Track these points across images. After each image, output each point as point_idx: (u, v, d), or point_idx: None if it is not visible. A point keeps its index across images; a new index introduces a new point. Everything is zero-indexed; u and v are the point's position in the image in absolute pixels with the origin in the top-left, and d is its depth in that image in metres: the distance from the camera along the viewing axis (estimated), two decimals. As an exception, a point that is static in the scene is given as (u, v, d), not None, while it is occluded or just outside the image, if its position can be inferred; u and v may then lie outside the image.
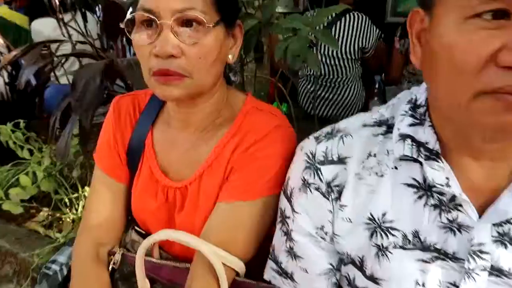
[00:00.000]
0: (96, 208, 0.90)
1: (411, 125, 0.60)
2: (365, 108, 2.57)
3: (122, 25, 0.72)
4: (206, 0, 0.69)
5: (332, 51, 2.35)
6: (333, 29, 2.30)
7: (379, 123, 0.65)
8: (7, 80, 2.50)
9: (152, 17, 0.67)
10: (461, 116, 0.49)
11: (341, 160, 0.64)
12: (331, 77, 2.39)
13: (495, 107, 0.45)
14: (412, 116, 0.61)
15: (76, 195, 1.75)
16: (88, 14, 1.98)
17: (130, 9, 1.49)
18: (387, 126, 0.64)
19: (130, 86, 1.56)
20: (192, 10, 0.67)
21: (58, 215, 1.79)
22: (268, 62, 2.03)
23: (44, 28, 2.43)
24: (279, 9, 3.95)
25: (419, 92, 0.63)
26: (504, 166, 0.55)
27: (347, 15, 2.28)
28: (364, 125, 0.66)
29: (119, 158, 0.89)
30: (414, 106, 0.62)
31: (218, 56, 0.73)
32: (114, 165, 0.89)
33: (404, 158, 0.59)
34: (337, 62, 2.35)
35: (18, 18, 2.97)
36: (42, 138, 1.96)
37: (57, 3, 1.77)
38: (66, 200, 1.77)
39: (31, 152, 1.85)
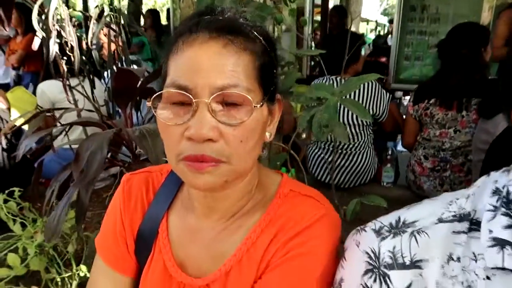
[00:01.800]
0: None
1: (508, 227, 0.48)
2: (378, 175, 2.47)
3: (148, 104, 0.61)
4: (250, 75, 0.59)
5: (344, 118, 2.30)
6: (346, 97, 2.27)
7: (459, 218, 0.53)
8: (5, 147, 2.40)
9: (188, 95, 0.56)
10: None
11: (415, 264, 0.51)
12: (343, 143, 2.32)
13: None
14: (507, 214, 0.49)
15: (69, 274, 1.57)
16: (96, 80, 1.94)
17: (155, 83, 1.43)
18: (470, 222, 0.52)
19: (137, 155, 1.46)
20: (235, 87, 0.57)
21: (47, 298, 1.59)
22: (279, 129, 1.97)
23: (49, 90, 2.40)
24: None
25: (506, 179, 0.52)
26: None
27: (358, 82, 2.26)
28: (441, 220, 0.54)
29: (126, 248, 0.76)
30: (508, 201, 0.50)
31: (260, 137, 0.62)
32: (118, 256, 0.76)
33: (502, 267, 0.47)
34: (348, 129, 2.30)
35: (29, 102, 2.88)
36: (38, 206, 1.81)
37: (65, 69, 1.73)
38: (58, 280, 1.58)
39: (23, 225, 1.69)
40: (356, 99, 2.25)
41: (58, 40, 1.67)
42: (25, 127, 2.13)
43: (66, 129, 1.52)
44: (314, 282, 0.62)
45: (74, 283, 1.58)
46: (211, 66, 0.56)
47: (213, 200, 0.68)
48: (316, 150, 2.48)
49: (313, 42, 4.78)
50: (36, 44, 1.84)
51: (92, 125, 1.49)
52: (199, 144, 0.56)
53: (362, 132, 2.33)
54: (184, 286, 0.70)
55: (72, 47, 1.65)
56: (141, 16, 5.11)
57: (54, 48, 1.66)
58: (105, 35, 1.85)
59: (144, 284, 0.74)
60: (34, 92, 2.83)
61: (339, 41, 2.10)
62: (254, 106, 0.58)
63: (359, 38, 3.40)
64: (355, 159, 2.35)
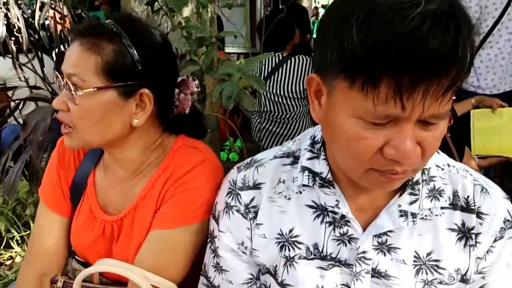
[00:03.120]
0: (40, 240, 0.97)
1: (309, 158, 0.74)
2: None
3: None
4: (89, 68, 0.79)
5: (280, 91, 2.51)
6: (281, 70, 2.49)
7: (287, 155, 0.79)
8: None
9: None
10: (355, 178, 0.64)
11: (256, 186, 0.77)
12: (280, 113, 2.56)
13: (381, 179, 0.60)
14: (310, 151, 0.75)
15: (28, 232, 1.78)
16: (46, 58, 2.08)
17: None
18: (294, 157, 0.77)
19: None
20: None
21: (9, 254, 1.80)
22: (219, 101, 2.17)
23: (-1, 67, 2.49)
24: (235, 50, 4.17)
25: (318, 130, 0.77)
26: (380, 191, 0.70)
27: (292, 58, 2.47)
28: (275, 157, 0.79)
29: (62, 194, 0.98)
30: (313, 142, 0.76)
31: (104, 117, 0.82)
32: (56, 200, 0.98)
33: (305, 185, 0.73)
34: (284, 101, 2.52)
35: None
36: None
37: (13, 48, 1.86)
38: (18, 238, 1.79)
39: (-17, 192, 1.87)
40: (290, 73, 2.47)
41: (5, 22, 1.80)
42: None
43: (20, 106, 1.68)
44: (197, 208, 0.86)
45: (32, 240, 1.80)
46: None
47: (114, 159, 0.93)
48: (259, 120, 2.72)
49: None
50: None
51: (41, 100, 1.66)
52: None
53: (296, 103, 2.55)
54: (105, 223, 0.93)
55: (19, 28, 1.79)
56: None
57: (2, 29, 1.79)
58: (50, 18, 1.99)
59: (75, 223, 0.97)
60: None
61: (273, 17, 2.24)
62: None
63: (304, 11, 3.58)
64: (292, 127, 2.61)
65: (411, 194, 0.68)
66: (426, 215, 0.69)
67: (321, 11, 6.39)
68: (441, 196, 0.69)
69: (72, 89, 0.79)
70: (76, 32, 0.83)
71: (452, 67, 0.50)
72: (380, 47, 0.49)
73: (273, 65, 2.50)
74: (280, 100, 2.53)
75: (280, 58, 2.50)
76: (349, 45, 0.51)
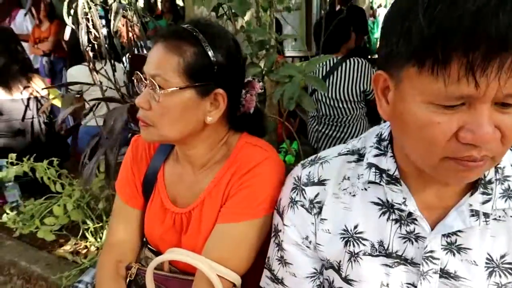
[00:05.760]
0: (116, 231, 1.06)
1: (376, 155, 0.74)
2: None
3: None
4: (171, 69, 0.85)
5: (336, 94, 2.48)
6: (335, 73, 2.45)
7: (352, 152, 0.80)
8: (45, 121, 2.78)
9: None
10: (430, 170, 0.62)
11: (321, 182, 0.79)
12: (336, 117, 2.53)
13: (458, 168, 0.58)
14: (377, 148, 0.75)
15: (100, 224, 1.93)
16: (117, 64, 2.24)
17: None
18: (359, 155, 0.78)
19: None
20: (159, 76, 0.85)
21: (84, 244, 1.96)
22: (277, 103, 2.20)
23: (77, 74, 2.71)
24: (291, 53, 4.18)
25: (384, 128, 0.77)
26: (449, 189, 0.69)
27: (348, 61, 2.43)
28: (340, 154, 0.81)
29: (135, 188, 1.06)
30: (380, 139, 0.76)
31: (182, 114, 0.87)
32: (131, 195, 1.06)
33: (371, 181, 0.73)
34: (340, 105, 2.49)
35: None
36: (72, 176, 2.18)
37: (90, 54, 2.03)
38: (92, 229, 1.94)
39: (62, 187, 2.06)
40: (346, 76, 2.44)
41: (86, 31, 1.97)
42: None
43: (93, 106, 1.83)
44: (260, 204, 0.90)
45: (105, 232, 1.95)
46: None
47: (185, 154, 0.98)
48: (314, 123, 2.71)
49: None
50: (67, 34, 2.14)
51: (114, 101, 1.80)
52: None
53: (352, 106, 2.51)
54: (175, 215, 1.00)
55: (97, 36, 1.96)
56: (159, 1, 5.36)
57: (85, 38, 1.97)
58: (122, 25, 2.14)
59: (148, 215, 1.05)
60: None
61: (330, 19, 2.17)
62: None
63: (362, 13, 3.50)
64: (349, 130, 2.57)
65: (483, 193, 0.66)
66: (500, 216, 0.67)
67: (378, 11, 6.21)
68: None
69: (157, 88, 0.85)
70: (159, 36, 0.89)
71: None
72: (447, 27, 0.49)
73: (328, 68, 2.49)
74: (336, 104, 2.50)
75: (335, 61, 2.48)
76: (416, 30, 0.52)
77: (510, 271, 0.66)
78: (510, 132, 0.54)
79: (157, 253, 1.04)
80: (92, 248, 1.91)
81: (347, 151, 0.80)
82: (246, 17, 1.55)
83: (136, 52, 2.18)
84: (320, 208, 0.77)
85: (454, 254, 0.68)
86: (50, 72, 4.48)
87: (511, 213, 0.67)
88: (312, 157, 0.85)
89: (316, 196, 0.78)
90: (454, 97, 0.52)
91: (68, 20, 1.97)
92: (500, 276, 0.66)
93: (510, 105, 0.53)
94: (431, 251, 0.68)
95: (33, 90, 2.73)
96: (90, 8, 1.90)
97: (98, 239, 1.94)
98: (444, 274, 0.68)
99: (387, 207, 0.72)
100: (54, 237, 1.94)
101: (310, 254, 0.80)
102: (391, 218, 0.71)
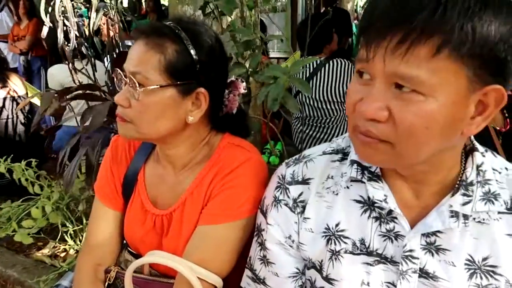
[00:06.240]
0: (95, 233, 1.03)
1: None
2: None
3: None
4: (152, 66, 0.83)
5: (319, 95, 2.47)
6: (319, 74, 2.45)
7: (336, 151, 0.80)
8: (23, 121, 2.71)
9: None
10: (351, 138, 0.67)
11: (305, 181, 0.78)
12: (320, 118, 2.54)
13: (358, 141, 0.63)
14: None
15: (80, 226, 1.89)
16: (98, 62, 2.20)
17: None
18: (343, 154, 0.78)
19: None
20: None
21: (63, 247, 1.91)
22: (261, 104, 2.20)
23: (58, 73, 2.66)
24: (276, 54, 4.18)
25: None
26: (426, 188, 0.69)
27: (331, 62, 2.42)
28: (324, 153, 0.80)
29: (115, 189, 1.03)
30: None
31: (162, 113, 0.85)
32: (110, 196, 1.03)
33: (354, 179, 0.73)
34: (324, 106, 2.48)
35: None
36: (51, 177, 2.12)
37: (69, 53, 1.99)
38: (72, 232, 1.90)
39: (41, 188, 2.01)
40: (329, 77, 2.44)
41: (64, 29, 1.93)
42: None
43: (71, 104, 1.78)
44: (242, 205, 0.88)
45: (84, 234, 1.90)
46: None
47: (166, 154, 0.96)
48: (299, 126, 2.70)
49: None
50: (44, 32, 2.09)
51: (95, 99, 1.75)
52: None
53: (336, 107, 2.50)
54: (156, 216, 0.98)
55: (76, 35, 1.92)
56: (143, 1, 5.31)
57: (61, 36, 1.92)
58: (103, 24, 2.10)
59: (128, 216, 1.02)
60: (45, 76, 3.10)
61: (315, 21, 2.14)
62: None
63: (346, 15, 3.52)
64: (333, 131, 2.58)
65: (464, 195, 0.67)
66: (484, 219, 0.67)
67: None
68: (496, 200, 0.67)
69: (137, 86, 0.83)
70: (140, 32, 0.86)
71: (408, 22, 0.53)
72: (374, 6, 0.58)
73: (311, 69, 2.49)
74: (319, 105, 2.50)
75: (318, 62, 2.48)
76: (364, 15, 0.61)
77: (491, 273, 0.66)
78: (399, 119, 0.57)
79: (137, 256, 1.02)
80: (71, 251, 1.87)
81: (332, 150, 0.80)
82: (231, 17, 1.53)
83: (117, 51, 2.14)
84: (304, 207, 0.77)
85: (433, 254, 0.68)
86: (27, 71, 4.38)
87: (495, 217, 0.67)
88: (297, 156, 0.84)
89: (299, 195, 0.78)
90: (360, 66, 0.61)
91: (46, 19, 1.92)
92: (481, 278, 0.67)
93: (404, 90, 0.56)
94: (411, 250, 0.68)
95: (10, 89, 2.65)
96: (72, 5, 1.86)
97: (78, 242, 1.89)
98: (423, 274, 0.68)
99: (368, 204, 0.72)
100: (32, 240, 1.89)
101: (293, 254, 0.80)
102: (371, 215, 0.72)
